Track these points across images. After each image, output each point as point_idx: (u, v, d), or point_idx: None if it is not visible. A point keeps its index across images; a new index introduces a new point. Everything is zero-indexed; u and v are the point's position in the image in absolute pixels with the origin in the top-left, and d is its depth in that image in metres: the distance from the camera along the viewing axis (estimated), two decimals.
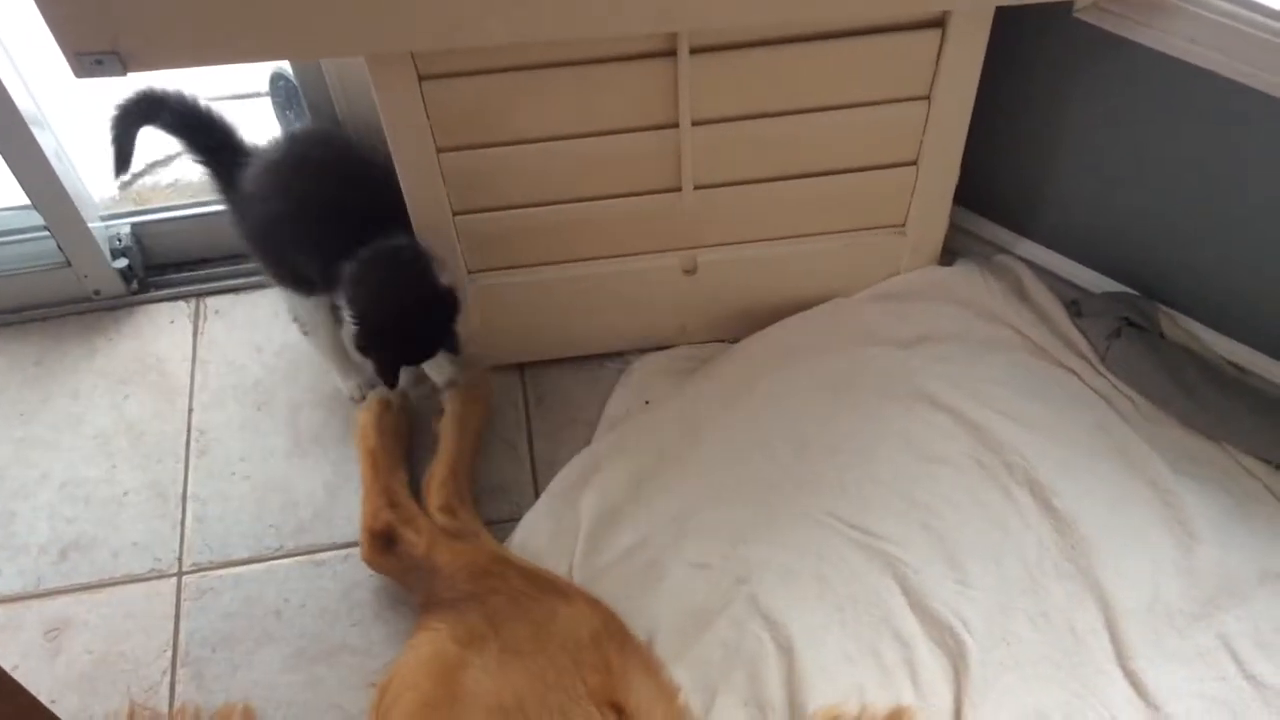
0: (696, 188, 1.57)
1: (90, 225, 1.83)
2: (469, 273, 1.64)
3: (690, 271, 1.68)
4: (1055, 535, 1.53)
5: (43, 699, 1.30)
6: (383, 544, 1.52)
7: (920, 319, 1.74)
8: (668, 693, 1.33)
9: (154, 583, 1.61)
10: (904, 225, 1.70)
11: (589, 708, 1.16)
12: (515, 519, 1.62)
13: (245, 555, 1.63)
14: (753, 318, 1.76)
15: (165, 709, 1.49)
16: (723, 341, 1.79)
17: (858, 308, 1.76)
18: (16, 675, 1.51)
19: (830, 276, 1.75)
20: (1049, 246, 1.80)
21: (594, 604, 1.36)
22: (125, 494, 1.69)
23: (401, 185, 1.51)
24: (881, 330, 1.73)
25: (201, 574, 1.62)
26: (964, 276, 1.79)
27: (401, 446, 1.65)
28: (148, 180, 2.03)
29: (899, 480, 1.58)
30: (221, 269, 1.93)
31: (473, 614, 1.31)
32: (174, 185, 2.02)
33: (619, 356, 1.79)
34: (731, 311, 1.76)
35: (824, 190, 1.61)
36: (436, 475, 1.59)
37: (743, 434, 1.64)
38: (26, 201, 1.78)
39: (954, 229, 1.78)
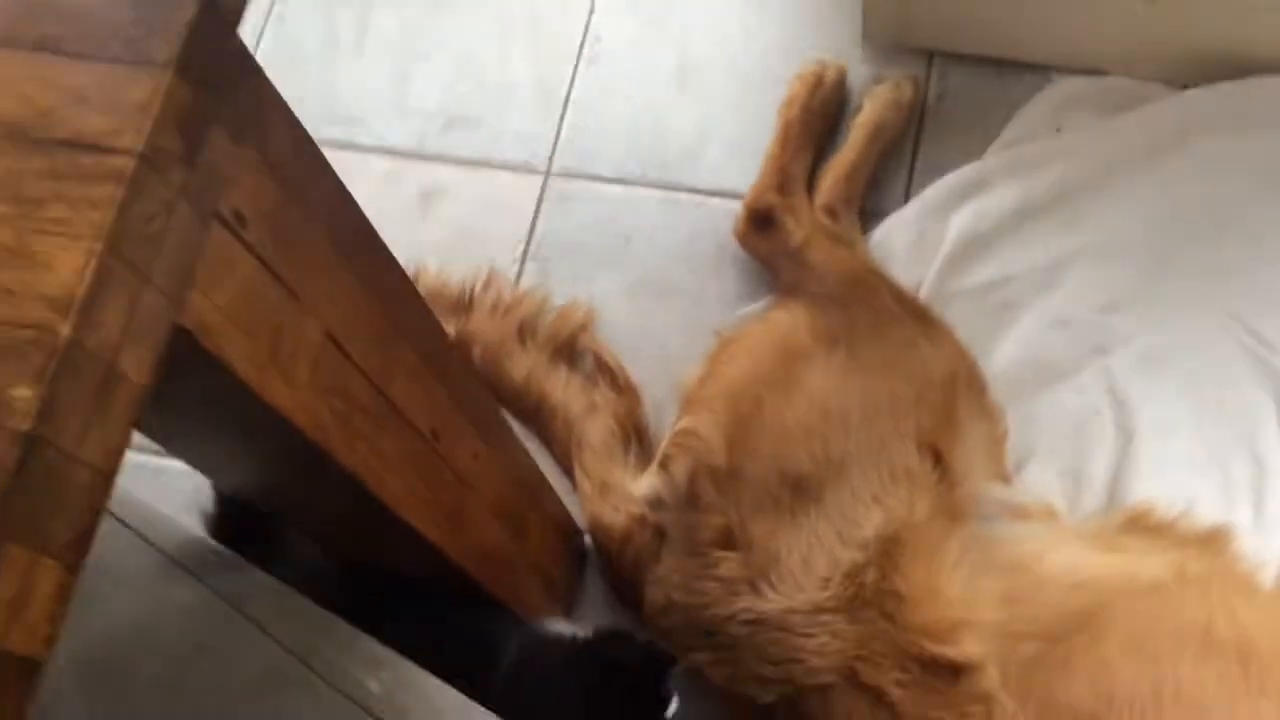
0: None
1: None
2: None
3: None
4: None
5: (403, 254, 1.41)
6: (759, 224, 1.47)
7: None
8: (998, 441, 1.28)
9: (524, 175, 1.66)
10: None
11: (909, 445, 1.12)
12: (876, 214, 1.54)
13: (610, 174, 1.64)
14: (1211, 66, 1.49)
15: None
16: (1167, 84, 1.54)
17: None
18: (384, 228, 1.63)
19: None
20: None
21: (956, 345, 1.29)
22: (514, 83, 1.72)
23: None
24: None
25: (567, 179, 1.65)
26: None
27: (821, 128, 1.56)
28: None
29: None
30: None
31: (834, 315, 1.28)
32: None
33: (1043, 70, 1.58)
34: (1188, 53, 1.50)
35: None
36: (831, 173, 1.51)
37: (1160, 194, 1.45)
38: None
39: None
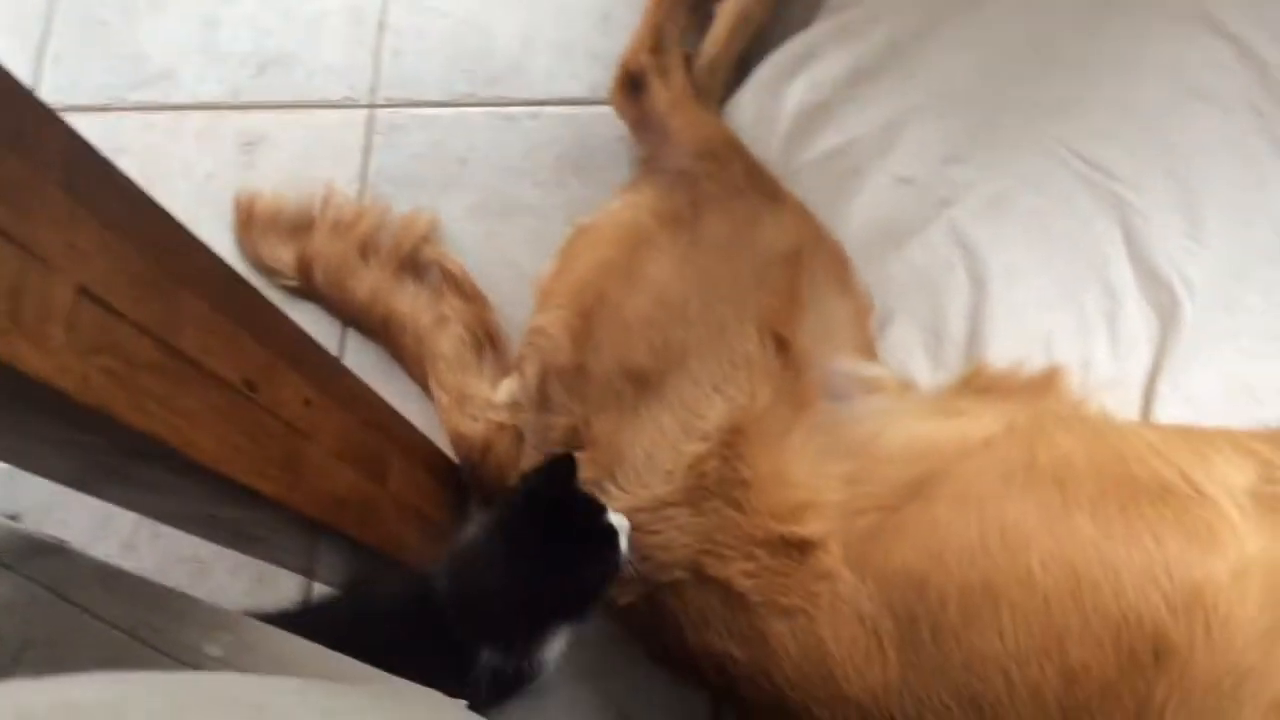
0: None
1: None
2: None
3: None
4: None
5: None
6: (630, 86, 1.42)
7: None
8: (860, 315, 1.27)
9: (347, 111, 1.59)
10: None
11: (749, 330, 1.10)
12: None
13: (437, 97, 1.58)
14: None
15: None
16: None
17: None
18: (212, 183, 1.57)
19: None
20: None
21: (804, 219, 1.27)
22: (325, 14, 1.64)
23: None
24: None
25: (393, 109, 1.59)
26: None
27: None
28: None
29: (1153, 115, 1.38)
30: None
31: (680, 195, 1.25)
32: None
33: None
34: None
35: None
36: (697, 63, 1.46)
37: (987, 35, 1.43)
38: None
39: None
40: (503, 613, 1.03)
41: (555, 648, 1.07)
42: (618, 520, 1.04)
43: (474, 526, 1.12)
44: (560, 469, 1.06)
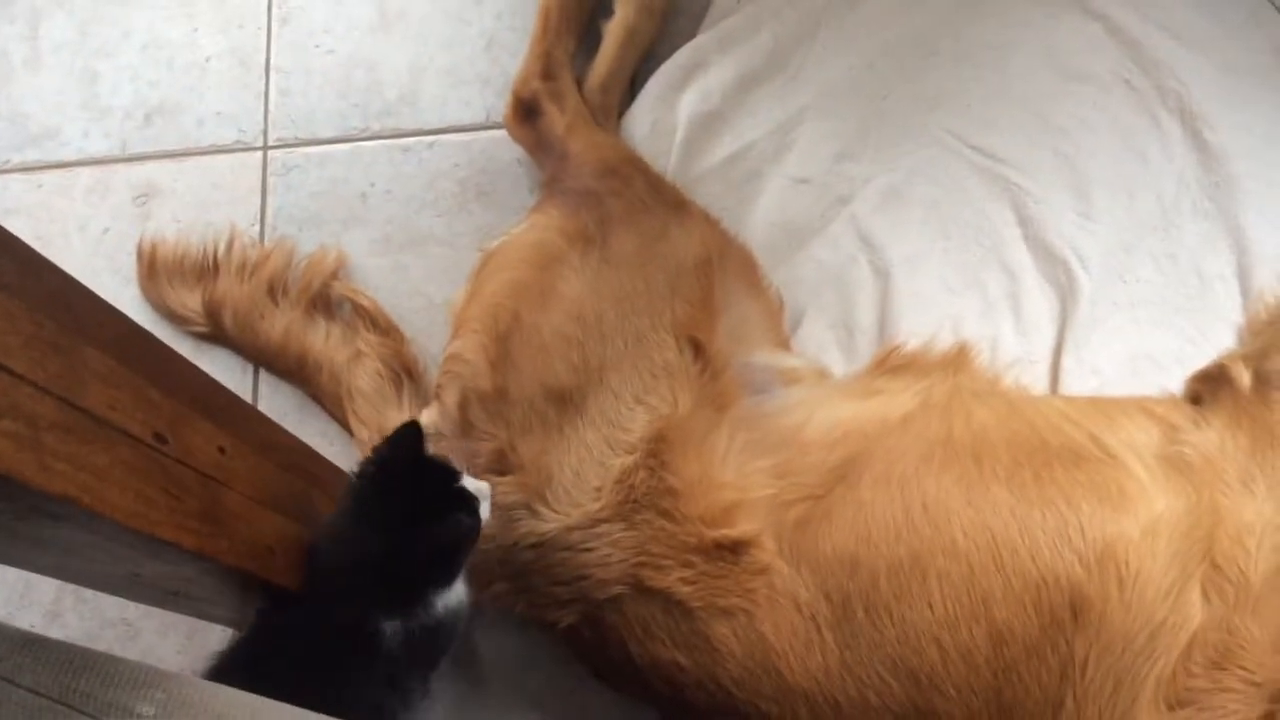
0: None
1: None
2: None
3: None
4: (1199, 171, 1.38)
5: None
6: (525, 113, 1.43)
7: None
8: (772, 313, 1.29)
9: (240, 155, 1.58)
10: None
11: (666, 338, 1.11)
12: None
13: (330, 134, 1.57)
14: None
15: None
16: None
17: None
18: (108, 238, 1.54)
19: None
20: None
21: (710, 227, 1.28)
22: (208, 59, 1.63)
23: None
24: None
25: (287, 150, 1.57)
26: None
27: (581, 12, 1.49)
28: None
29: (1032, 98, 1.42)
30: None
31: (586, 213, 1.25)
32: None
33: None
34: None
35: None
36: (587, 85, 1.47)
37: (866, 33, 1.47)
38: None
39: None
40: (373, 578, 1.03)
41: (447, 603, 1.06)
42: (475, 485, 1.05)
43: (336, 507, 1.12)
44: (406, 437, 1.06)
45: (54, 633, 0.98)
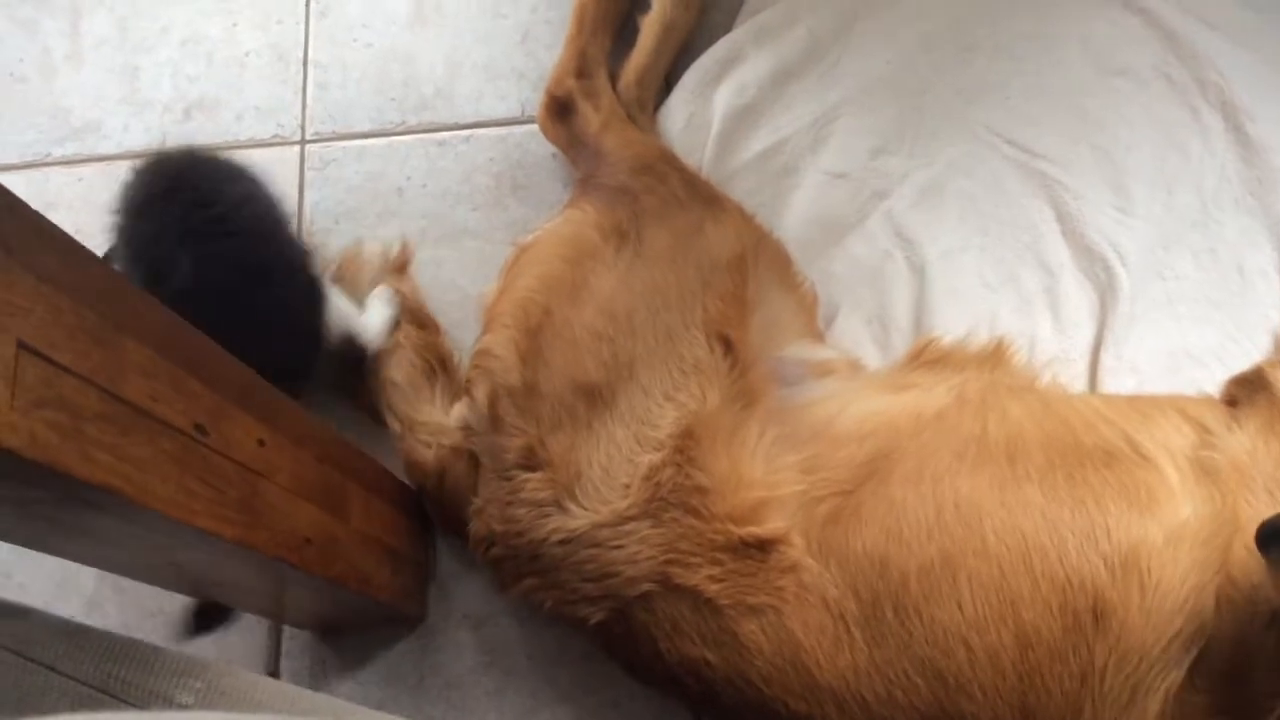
0: None
1: None
2: None
3: None
4: (1241, 165, 1.36)
5: None
6: (559, 111, 1.44)
7: None
8: (806, 307, 1.29)
9: (278, 149, 1.59)
10: None
11: (697, 335, 1.10)
12: None
13: (367, 128, 1.58)
14: None
15: None
16: None
17: None
18: None
19: None
20: None
21: (745, 222, 1.27)
22: (246, 54, 1.64)
23: None
24: None
25: (324, 144, 1.58)
26: None
27: (617, 9, 1.50)
28: None
29: (1071, 92, 1.41)
30: None
31: (622, 209, 1.25)
32: None
33: None
34: None
35: None
36: (624, 78, 1.47)
37: (904, 28, 1.46)
38: None
39: None
40: None
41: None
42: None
43: None
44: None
45: (93, 622, 0.99)
